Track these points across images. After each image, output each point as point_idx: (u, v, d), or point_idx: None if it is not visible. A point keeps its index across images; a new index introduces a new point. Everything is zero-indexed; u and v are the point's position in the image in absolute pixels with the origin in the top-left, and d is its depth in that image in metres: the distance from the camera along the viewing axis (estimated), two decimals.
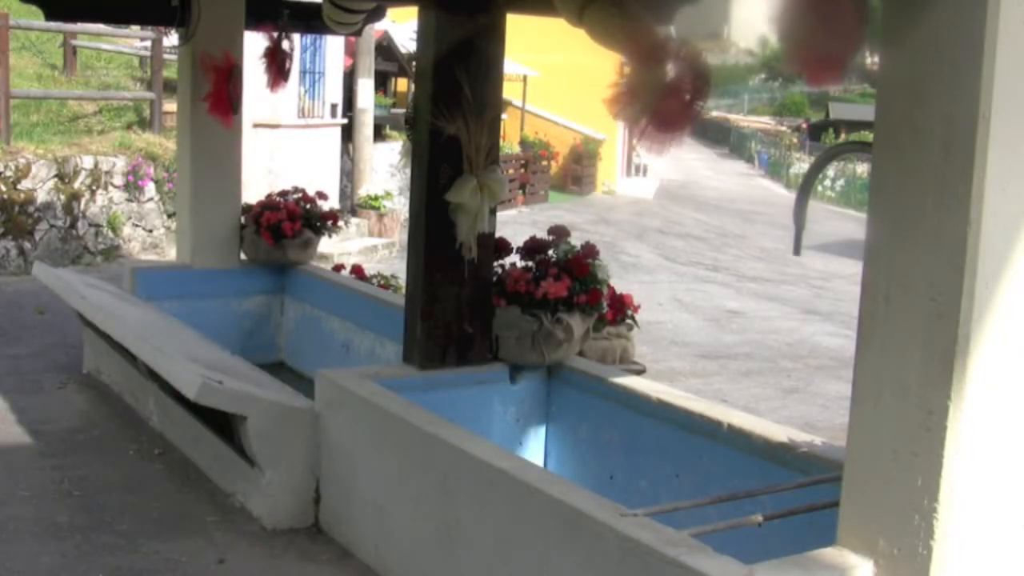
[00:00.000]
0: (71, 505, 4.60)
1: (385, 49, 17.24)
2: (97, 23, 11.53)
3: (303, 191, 7.34)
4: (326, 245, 10.51)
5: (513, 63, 19.44)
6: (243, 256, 7.15)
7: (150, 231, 11.47)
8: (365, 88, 15.03)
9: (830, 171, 33.55)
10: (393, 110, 17.77)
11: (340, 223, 7.55)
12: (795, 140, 49.02)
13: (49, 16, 6.73)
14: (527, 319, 4.68)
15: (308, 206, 7.16)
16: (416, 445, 3.90)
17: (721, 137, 58.18)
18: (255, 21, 6.87)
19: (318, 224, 7.16)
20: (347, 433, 4.36)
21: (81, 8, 7.01)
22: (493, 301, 4.77)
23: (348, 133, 14.99)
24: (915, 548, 2.52)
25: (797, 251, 3.43)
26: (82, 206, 10.63)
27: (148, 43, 13.45)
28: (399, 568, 4.01)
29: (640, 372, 5.42)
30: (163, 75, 12.78)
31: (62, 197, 10.39)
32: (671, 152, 3.21)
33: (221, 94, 6.69)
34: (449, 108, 4.54)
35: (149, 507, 4.64)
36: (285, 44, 6.88)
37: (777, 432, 3.84)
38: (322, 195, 7.42)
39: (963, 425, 2.45)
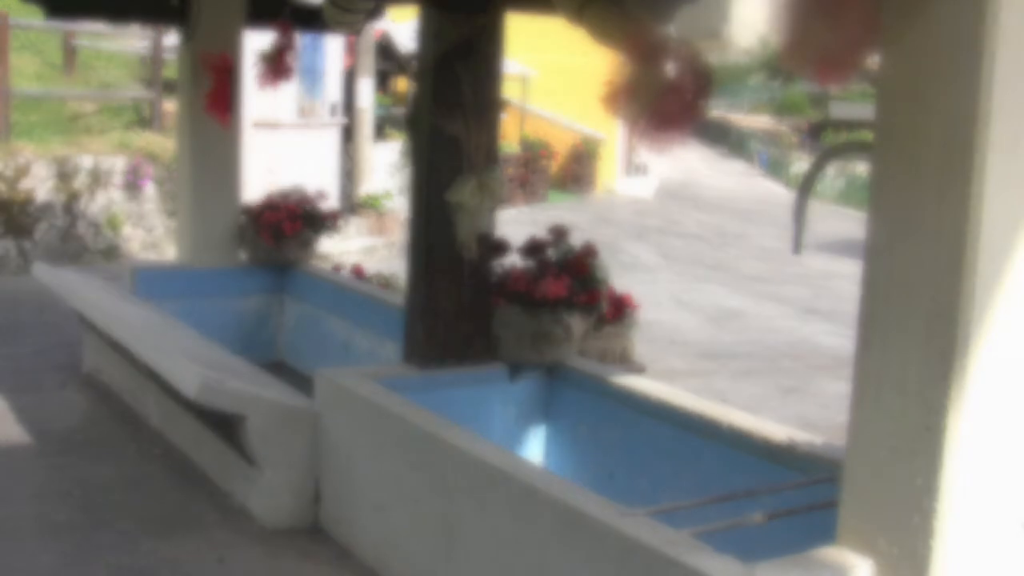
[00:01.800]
0: (71, 505, 4.60)
1: (385, 49, 17.23)
2: (97, 21, 11.52)
3: (303, 191, 7.34)
4: (326, 245, 10.50)
5: (513, 63, 19.44)
6: (243, 256, 7.15)
7: (150, 231, 11.48)
8: (365, 88, 15.03)
9: (830, 171, 33.51)
10: (393, 110, 17.77)
11: (340, 223, 7.55)
12: (795, 140, 48.93)
13: (48, 14, 6.73)
14: (527, 319, 4.68)
15: (308, 206, 7.17)
16: (416, 445, 3.90)
17: (721, 137, 58.06)
18: (255, 20, 6.87)
19: (318, 224, 7.17)
20: (347, 433, 4.36)
21: (81, 6, 7.01)
22: (493, 301, 4.77)
23: (348, 133, 14.99)
24: (915, 548, 2.52)
25: (797, 250, 3.43)
26: (82, 206, 10.63)
27: (148, 43, 13.45)
28: (399, 568, 4.01)
29: (640, 372, 5.42)
30: (163, 75, 12.78)
31: (62, 197, 10.39)
32: (673, 151, 3.21)
33: (220, 93, 6.69)
34: (449, 108, 4.54)
35: (149, 507, 4.64)
36: (287, 41, 6.88)
37: (777, 432, 3.84)
38: (322, 195, 7.43)
39: (963, 425, 2.45)
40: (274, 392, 4.65)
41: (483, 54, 4.64)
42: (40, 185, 10.20)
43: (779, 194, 34.65)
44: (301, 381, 6.14)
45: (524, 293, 4.70)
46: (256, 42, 6.96)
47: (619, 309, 5.58)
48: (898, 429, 2.55)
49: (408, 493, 3.94)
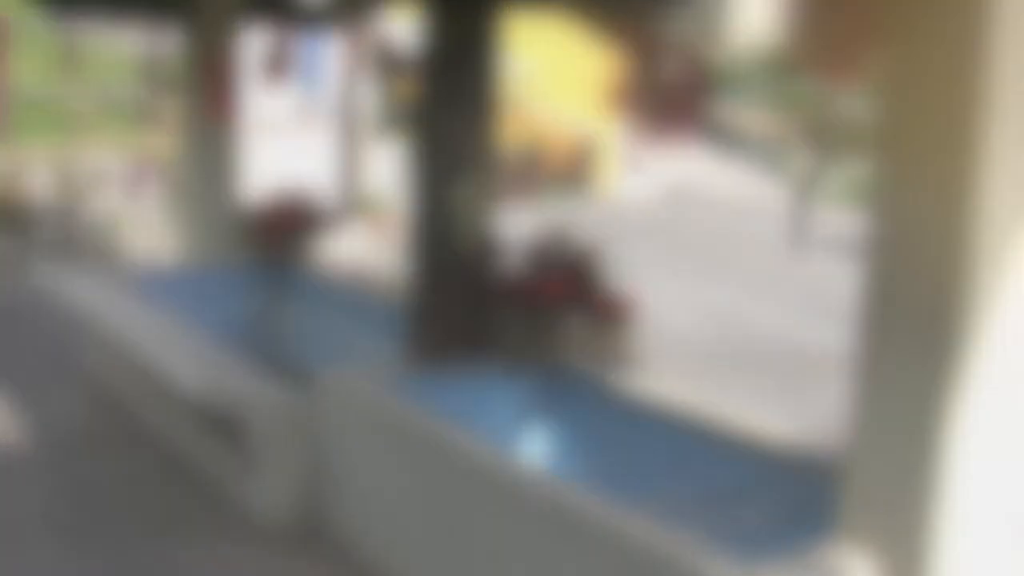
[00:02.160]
0: (71, 505, 4.60)
1: (385, 48, 17.22)
2: (97, 19, 11.53)
3: (303, 191, 7.34)
4: (326, 245, 10.51)
5: (513, 62, 19.42)
6: (243, 256, 7.14)
7: (150, 231, 11.48)
8: (365, 88, 15.03)
9: (830, 170, 33.51)
10: (393, 110, 17.75)
11: (340, 223, 7.56)
12: (795, 139, 48.93)
13: (48, 14, 6.74)
14: (527, 319, 4.68)
15: (308, 206, 7.17)
16: (416, 445, 3.90)
17: (721, 137, 58.14)
18: (255, 19, 6.87)
19: (318, 224, 7.17)
20: (347, 433, 4.36)
21: (81, 5, 7.01)
22: (493, 301, 4.77)
23: (348, 132, 14.98)
24: (915, 547, 2.51)
25: (796, 250, 3.43)
26: (82, 206, 10.64)
27: (148, 42, 13.45)
28: (399, 568, 4.01)
29: (639, 372, 5.41)
30: (163, 74, 12.78)
31: (62, 197, 10.40)
32: (673, 150, 3.21)
33: (220, 93, 6.70)
34: (449, 108, 4.54)
35: (149, 507, 4.64)
36: (286, 41, 6.89)
37: (776, 432, 3.84)
38: (321, 195, 7.43)
39: (963, 425, 2.45)
40: (274, 392, 4.65)
41: (483, 54, 4.64)
42: (40, 185, 10.21)
43: (779, 194, 34.63)
44: (301, 381, 6.14)
45: (524, 293, 4.70)
46: (256, 41, 6.97)
47: (619, 309, 5.57)
48: (898, 429, 2.55)
49: (408, 493, 3.94)
